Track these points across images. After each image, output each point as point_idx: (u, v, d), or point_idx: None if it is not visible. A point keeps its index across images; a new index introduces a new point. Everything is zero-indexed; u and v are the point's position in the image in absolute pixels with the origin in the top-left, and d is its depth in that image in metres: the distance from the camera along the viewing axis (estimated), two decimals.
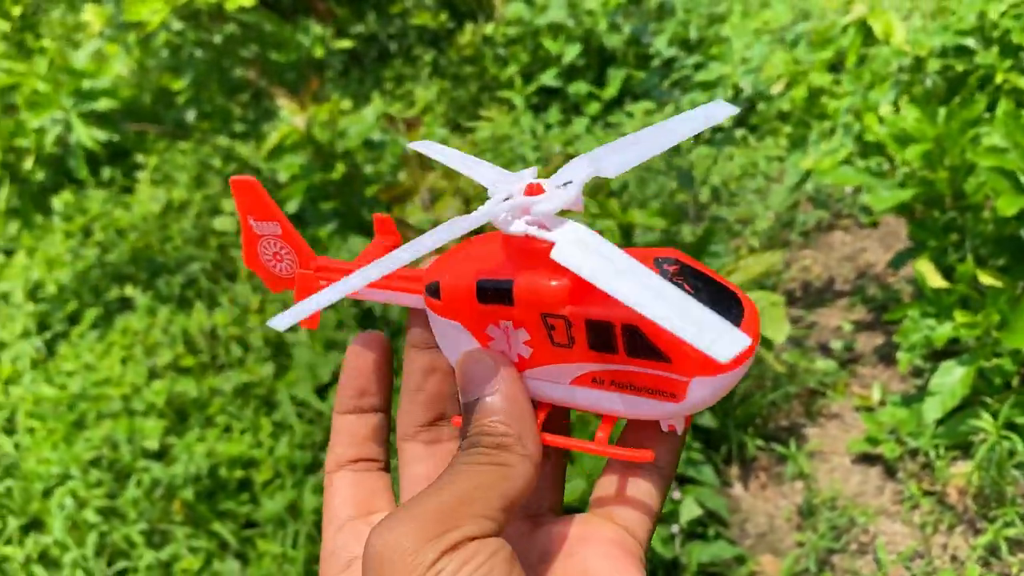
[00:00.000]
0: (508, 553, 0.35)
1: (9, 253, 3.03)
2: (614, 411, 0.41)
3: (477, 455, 0.38)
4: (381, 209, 2.17)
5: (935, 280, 1.80)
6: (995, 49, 2.31)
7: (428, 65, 3.86)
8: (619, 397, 0.40)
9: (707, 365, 0.37)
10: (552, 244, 0.38)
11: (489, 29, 3.61)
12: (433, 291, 0.43)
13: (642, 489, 0.43)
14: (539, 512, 0.45)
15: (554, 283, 0.39)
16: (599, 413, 0.42)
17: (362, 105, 3.38)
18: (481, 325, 0.42)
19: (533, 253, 0.39)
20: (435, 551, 0.33)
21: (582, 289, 0.39)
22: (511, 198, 0.39)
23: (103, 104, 1.98)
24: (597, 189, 2.14)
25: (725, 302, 0.39)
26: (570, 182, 0.39)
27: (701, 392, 0.38)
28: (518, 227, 0.39)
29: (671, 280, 0.38)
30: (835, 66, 3.02)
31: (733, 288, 0.40)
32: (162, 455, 1.99)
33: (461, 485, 0.36)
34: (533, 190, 0.39)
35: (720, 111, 0.42)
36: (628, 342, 0.38)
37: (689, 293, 0.37)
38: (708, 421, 1.75)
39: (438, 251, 0.42)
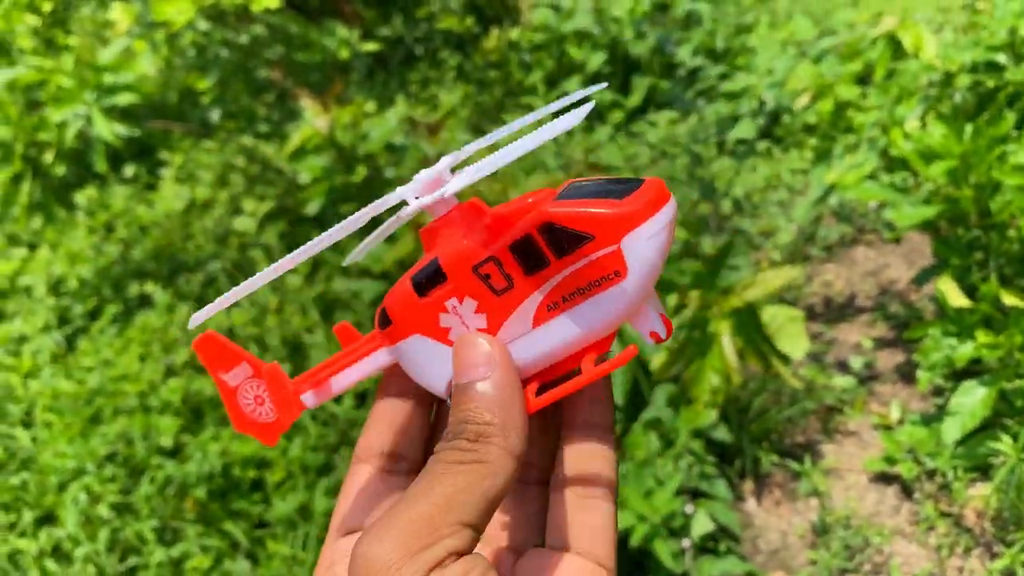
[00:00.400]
0: (486, 570, 0.35)
1: (32, 247, 3.06)
2: (586, 331, 0.41)
3: (456, 451, 0.37)
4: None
5: (957, 299, 1.77)
6: None
7: (453, 69, 3.87)
8: (579, 311, 0.40)
9: (627, 219, 0.38)
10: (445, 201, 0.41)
11: (515, 34, 3.62)
12: (384, 321, 0.44)
13: (600, 518, 0.42)
14: (524, 546, 0.45)
15: (465, 238, 0.41)
16: (577, 349, 0.42)
17: (386, 108, 3.39)
18: (433, 321, 0.43)
19: (442, 226, 0.42)
20: (420, 568, 0.33)
21: (494, 227, 0.41)
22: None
23: (124, 99, 2.00)
24: None
25: (623, 183, 0.40)
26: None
27: (638, 251, 0.38)
28: (425, 201, 0.41)
29: (572, 187, 0.41)
30: (863, 79, 2.99)
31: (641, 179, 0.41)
32: (176, 453, 2.00)
33: (441, 490, 0.36)
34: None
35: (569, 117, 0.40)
36: (551, 243, 0.39)
37: (585, 186, 0.41)
38: (723, 435, 1.73)
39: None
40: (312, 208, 2.23)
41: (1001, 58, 2.40)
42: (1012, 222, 1.86)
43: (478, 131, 3.44)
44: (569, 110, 0.38)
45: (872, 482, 1.82)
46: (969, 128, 1.83)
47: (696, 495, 1.68)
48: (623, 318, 0.40)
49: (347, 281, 2.13)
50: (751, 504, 1.80)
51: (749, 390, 1.90)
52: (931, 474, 1.76)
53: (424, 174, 0.42)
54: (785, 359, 1.69)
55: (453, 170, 0.43)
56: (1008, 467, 1.58)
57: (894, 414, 1.92)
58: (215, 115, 2.75)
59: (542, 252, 0.39)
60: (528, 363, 0.42)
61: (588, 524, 0.42)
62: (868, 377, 2.05)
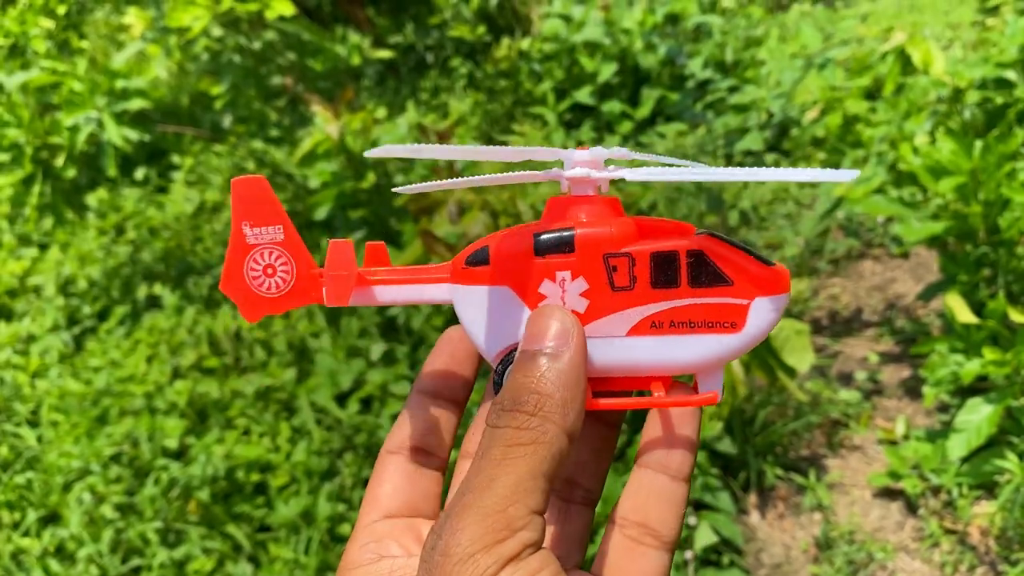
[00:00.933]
0: (557, 569, 0.35)
1: (43, 248, 3.07)
2: (671, 361, 0.41)
3: (514, 430, 0.37)
4: (409, 219, 2.18)
5: (964, 315, 1.77)
6: None
7: (464, 77, 3.88)
8: (678, 341, 0.41)
9: (767, 284, 0.40)
10: (614, 182, 0.42)
11: (525, 44, 3.63)
12: (478, 260, 0.43)
13: (652, 558, 0.42)
14: (567, 567, 0.45)
15: (613, 227, 0.41)
16: (651, 374, 0.42)
17: (397, 114, 3.40)
18: (534, 283, 0.42)
19: (586, 205, 0.42)
20: (499, 560, 0.34)
21: (639, 232, 0.41)
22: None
23: (135, 104, 2.01)
24: (626, 207, 2.14)
25: (759, 255, 0.41)
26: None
27: (760, 317, 0.40)
28: (580, 172, 0.42)
29: (712, 232, 0.41)
30: (872, 94, 2.99)
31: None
32: (181, 455, 2.01)
33: (506, 479, 0.36)
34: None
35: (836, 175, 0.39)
36: (692, 270, 0.40)
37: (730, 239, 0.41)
38: (727, 447, 1.73)
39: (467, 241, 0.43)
40: (321, 213, 2.24)
41: (1011, 75, 2.40)
42: (1021, 239, 1.86)
43: (487, 139, 3.45)
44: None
45: (876, 497, 1.81)
46: (979, 144, 1.83)
47: (699, 507, 1.68)
48: (710, 366, 0.41)
49: None
50: (755, 517, 1.80)
51: (754, 403, 1.89)
52: (936, 491, 1.75)
53: (594, 150, 0.42)
54: (790, 372, 1.69)
55: (606, 163, 0.43)
56: (1013, 485, 1.57)
57: (899, 429, 1.92)
58: (227, 120, 2.76)
59: (679, 273, 0.40)
60: (597, 364, 0.42)
61: (637, 570, 0.42)
62: (873, 392, 2.05)
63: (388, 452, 0.46)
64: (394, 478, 0.45)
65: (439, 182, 0.42)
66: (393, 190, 0.45)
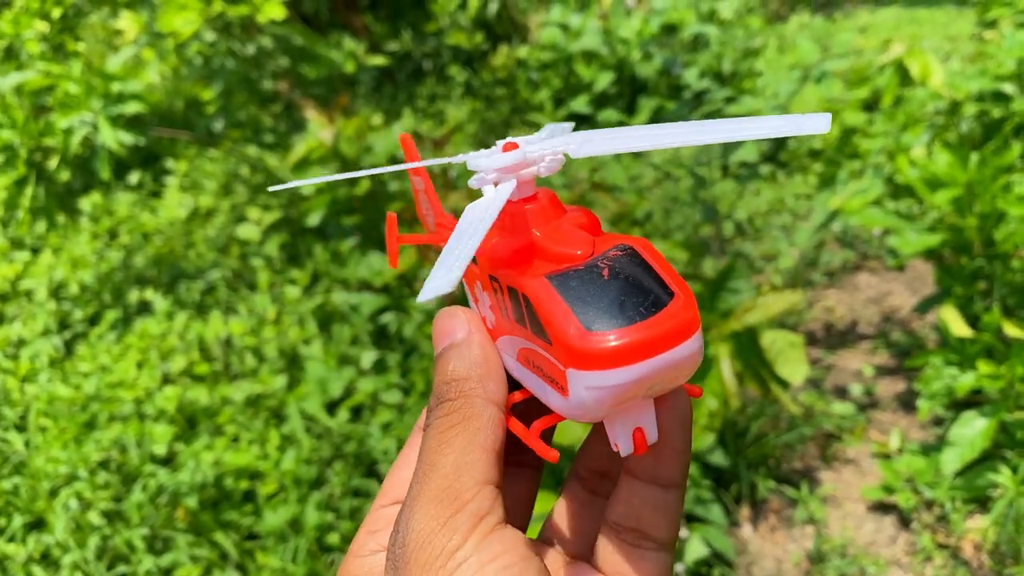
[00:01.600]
0: (540, 566, 0.35)
1: (35, 251, 3.06)
2: (546, 400, 0.37)
3: (445, 418, 0.37)
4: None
5: (959, 328, 1.76)
6: None
7: (461, 85, 3.88)
8: (540, 383, 0.37)
9: (575, 357, 0.33)
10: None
11: (523, 52, 3.63)
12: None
13: (652, 560, 0.41)
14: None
15: (491, 247, 0.38)
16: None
17: (393, 121, 3.39)
18: (471, 282, 0.43)
19: (506, 214, 0.39)
20: (456, 536, 0.34)
21: (525, 256, 0.37)
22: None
23: (131, 108, 2.00)
24: (620, 217, 2.13)
25: (641, 296, 0.34)
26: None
27: (576, 391, 0.33)
28: (475, 182, 0.39)
29: (599, 263, 0.35)
30: (870, 106, 2.99)
31: (676, 288, 0.35)
32: (169, 461, 1.99)
33: (444, 460, 0.36)
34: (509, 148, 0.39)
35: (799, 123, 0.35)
36: (529, 313, 0.35)
37: (601, 277, 0.34)
38: (720, 459, 1.72)
39: None
40: (313, 219, 2.22)
41: (1008, 88, 2.40)
42: (1016, 252, 1.85)
43: (484, 147, 3.44)
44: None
45: (869, 511, 1.80)
46: (975, 157, 1.83)
47: (691, 519, 1.66)
48: (565, 418, 0.37)
49: (346, 294, 2.12)
50: (747, 530, 1.78)
51: (747, 415, 1.88)
52: (929, 505, 1.74)
53: (511, 154, 0.38)
54: (784, 384, 1.68)
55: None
56: (1006, 500, 1.56)
57: (893, 443, 1.91)
58: (219, 125, 2.75)
59: (523, 314, 0.36)
60: (514, 376, 0.40)
61: (639, 571, 0.40)
62: (868, 404, 2.03)
63: (419, 429, 0.45)
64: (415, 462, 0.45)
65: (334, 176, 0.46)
66: (269, 189, 0.48)
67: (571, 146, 0.37)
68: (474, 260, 0.41)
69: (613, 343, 0.32)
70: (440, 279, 0.32)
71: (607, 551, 0.41)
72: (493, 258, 0.38)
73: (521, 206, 0.38)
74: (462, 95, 3.88)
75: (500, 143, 0.39)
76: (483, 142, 3.47)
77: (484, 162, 0.38)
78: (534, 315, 0.35)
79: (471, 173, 0.41)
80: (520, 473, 0.46)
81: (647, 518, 0.40)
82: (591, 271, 0.35)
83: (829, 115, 0.33)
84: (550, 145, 0.38)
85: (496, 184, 0.38)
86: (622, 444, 0.36)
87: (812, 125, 0.33)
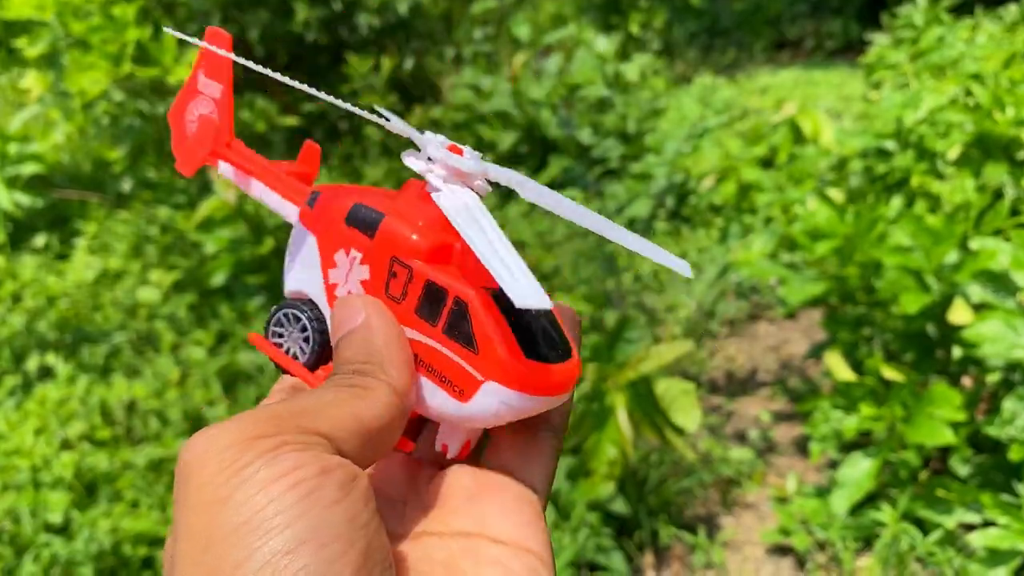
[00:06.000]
0: (346, 477, 0.30)
1: None
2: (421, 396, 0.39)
3: (332, 381, 0.36)
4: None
5: (844, 373, 1.84)
6: (911, 152, 2.42)
7: (377, 144, 3.92)
8: (425, 383, 0.39)
9: (506, 373, 0.36)
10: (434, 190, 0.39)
11: (437, 113, 3.70)
12: (312, 200, 0.43)
13: (542, 449, 0.41)
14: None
15: (417, 235, 0.39)
16: None
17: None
18: (333, 247, 0.41)
19: (422, 202, 0.40)
20: (253, 452, 0.29)
21: (442, 255, 0.39)
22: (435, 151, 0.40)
23: (28, 168, 1.98)
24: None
25: (558, 341, 0.39)
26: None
27: (485, 400, 0.37)
28: (420, 166, 0.40)
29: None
30: (768, 162, 3.12)
31: (572, 344, 0.40)
32: (65, 529, 1.93)
33: (305, 400, 0.33)
34: (453, 149, 0.40)
35: (673, 264, 0.39)
36: (451, 317, 0.37)
37: (529, 312, 0.38)
38: (620, 507, 1.74)
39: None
40: (218, 279, 2.21)
41: (889, 145, 2.54)
42: (894, 299, 1.95)
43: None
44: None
45: (768, 554, 1.84)
46: (852, 210, 1.93)
47: (593, 568, 1.68)
48: (442, 419, 0.39)
49: (252, 354, 2.11)
50: None
51: (649, 462, 1.92)
52: (822, 545, 1.79)
53: (463, 159, 0.39)
54: (679, 431, 1.73)
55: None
56: (888, 537, 1.62)
57: (790, 486, 1.96)
58: (127, 185, 2.73)
59: (440, 313, 0.38)
60: None
61: (543, 448, 0.41)
62: (766, 449, 2.10)
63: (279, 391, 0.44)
64: None
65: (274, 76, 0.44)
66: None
67: (504, 179, 0.39)
68: (365, 228, 0.40)
69: (539, 374, 0.37)
70: (529, 289, 0.32)
71: (503, 442, 0.41)
72: (418, 247, 0.39)
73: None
74: (378, 154, 3.93)
75: (441, 138, 0.40)
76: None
77: (439, 153, 0.39)
78: (463, 321, 0.37)
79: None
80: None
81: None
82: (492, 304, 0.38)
83: (687, 267, 0.38)
84: (486, 169, 0.40)
85: (442, 180, 0.39)
86: (452, 448, 0.40)
87: (678, 266, 0.37)
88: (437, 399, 0.38)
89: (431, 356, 0.38)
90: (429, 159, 0.40)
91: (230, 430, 0.30)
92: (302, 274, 0.43)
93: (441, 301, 0.38)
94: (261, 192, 0.47)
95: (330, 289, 0.42)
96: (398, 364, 0.37)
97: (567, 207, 0.39)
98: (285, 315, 0.43)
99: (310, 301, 0.43)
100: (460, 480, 0.39)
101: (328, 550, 0.28)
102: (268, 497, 0.28)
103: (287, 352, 0.43)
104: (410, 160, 0.41)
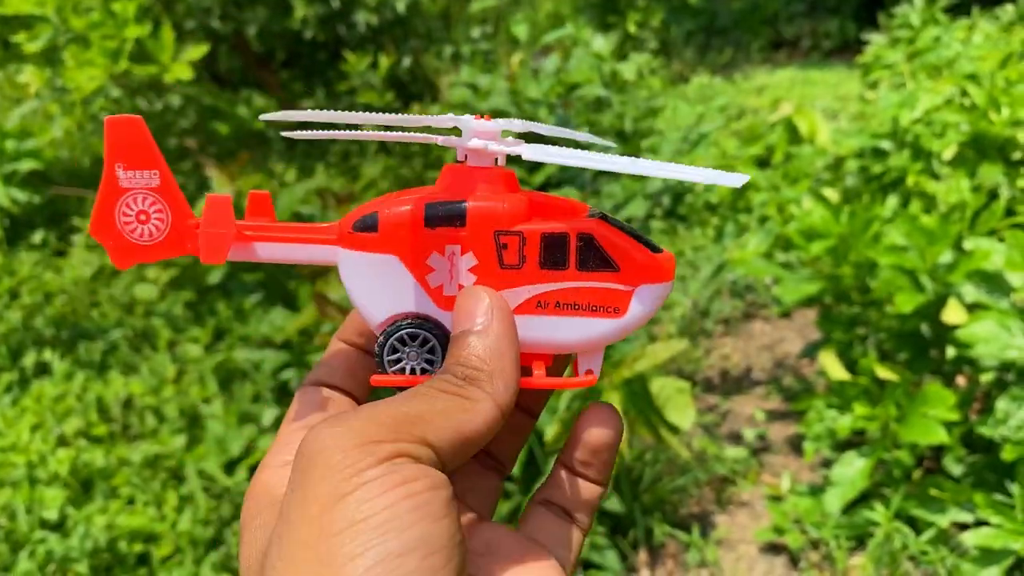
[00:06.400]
0: (449, 496, 0.34)
1: None
2: (554, 341, 0.42)
3: (442, 383, 0.38)
4: (305, 282, 2.17)
5: (838, 372, 1.85)
6: (907, 152, 2.42)
7: (373, 142, 3.92)
8: (562, 321, 0.41)
9: (650, 273, 0.41)
10: (511, 159, 0.42)
11: (435, 110, 3.70)
12: (366, 225, 0.42)
13: (574, 534, 0.45)
14: (480, 514, 0.46)
15: (506, 203, 0.41)
16: (534, 351, 0.42)
17: (306, 177, 3.41)
18: (423, 254, 0.42)
19: (473, 179, 0.42)
20: (370, 458, 0.32)
21: (532, 211, 0.41)
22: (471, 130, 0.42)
23: (25, 165, 1.98)
24: None
25: (647, 239, 0.42)
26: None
27: (641, 304, 0.41)
28: (478, 143, 0.41)
29: (602, 216, 0.42)
30: (764, 161, 3.13)
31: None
32: (61, 526, 1.93)
33: (416, 405, 0.36)
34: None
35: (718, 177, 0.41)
36: (581, 253, 0.40)
37: (619, 223, 0.42)
38: (615, 505, 1.75)
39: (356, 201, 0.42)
40: (214, 276, 2.22)
41: (885, 145, 2.54)
42: (889, 299, 1.96)
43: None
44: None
45: (762, 552, 1.85)
46: (847, 210, 1.94)
47: (587, 566, 1.69)
48: (591, 348, 0.42)
49: (248, 351, 2.12)
50: (645, 575, 1.81)
51: (643, 460, 1.93)
52: (815, 544, 1.80)
53: (496, 122, 0.42)
54: (674, 429, 1.73)
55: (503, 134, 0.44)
56: (879, 536, 1.63)
57: (785, 485, 1.97)
58: None
59: (567, 256, 0.41)
60: None
61: (571, 538, 0.44)
62: (761, 448, 2.10)
63: (304, 386, 0.46)
64: (312, 401, 0.45)
65: (320, 115, 0.41)
66: (260, 117, 0.43)
67: (525, 149, 0.41)
68: (451, 221, 0.41)
69: (664, 263, 0.42)
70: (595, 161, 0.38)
71: (540, 520, 0.45)
72: (515, 212, 0.41)
73: (509, 172, 0.43)
74: (376, 152, 3.93)
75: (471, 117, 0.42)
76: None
77: (475, 124, 0.42)
78: (593, 251, 0.41)
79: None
80: (486, 474, 0.48)
81: (576, 502, 0.45)
82: (607, 219, 0.42)
83: (747, 176, 0.40)
84: (510, 141, 0.42)
85: (472, 146, 0.42)
86: (596, 369, 0.43)
87: (730, 180, 0.39)
88: (594, 329, 0.42)
89: (574, 296, 0.41)
90: (475, 137, 0.42)
91: (354, 430, 0.33)
92: (393, 296, 0.43)
93: (564, 245, 0.41)
94: (279, 251, 0.44)
95: (435, 293, 0.42)
96: (507, 378, 0.39)
97: (595, 158, 0.41)
98: (399, 339, 0.43)
99: (415, 315, 0.43)
100: (502, 538, 0.43)
101: (431, 561, 0.31)
102: (386, 502, 0.31)
103: (414, 372, 0.43)
104: (453, 140, 0.42)
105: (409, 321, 0.43)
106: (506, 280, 0.41)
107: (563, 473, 0.45)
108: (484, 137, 0.42)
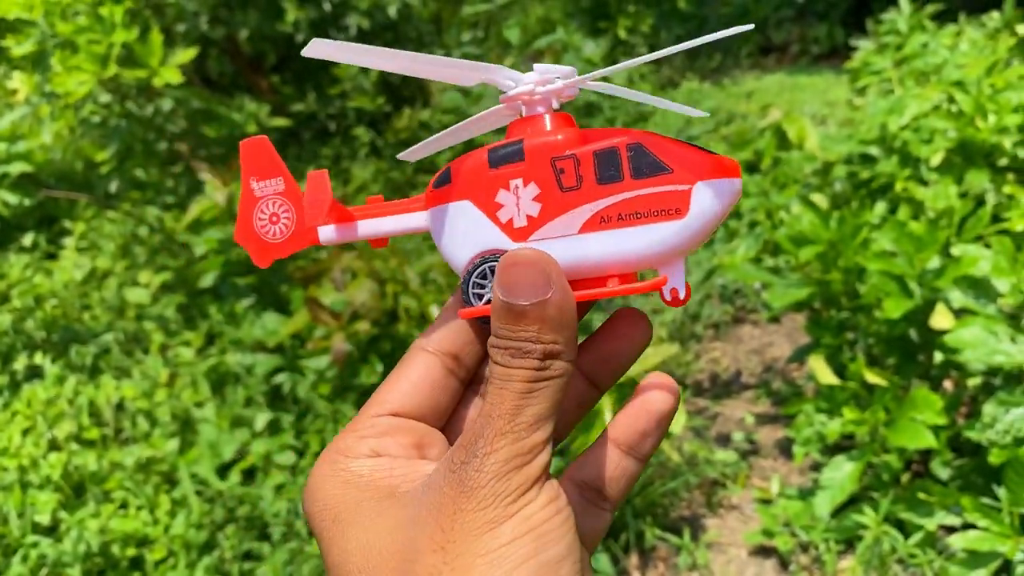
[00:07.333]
0: (572, 510, 0.39)
1: None
2: (624, 253, 0.43)
3: (530, 371, 0.39)
4: (298, 286, 2.18)
5: (827, 377, 1.87)
6: (895, 158, 2.44)
7: (365, 145, 3.93)
8: (627, 232, 0.42)
9: (704, 168, 0.41)
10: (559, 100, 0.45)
11: (426, 115, 3.71)
12: (442, 180, 0.46)
13: (600, 516, 0.46)
14: None
15: (559, 133, 0.44)
16: (610, 268, 0.44)
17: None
18: (491, 193, 0.45)
19: (529, 122, 0.45)
20: (526, 480, 0.38)
21: (584, 136, 0.44)
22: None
23: (16, 168, 1.98)
24: None
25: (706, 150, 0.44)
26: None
27: (702, 201, 0.41)
28: (525, 88, 0.44)
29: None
30: (753, 166, 3.15)
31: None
32: (54, 530, 1.93)
33: (532, 410, 0.39)
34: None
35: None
36: (632, 162, 0.42)
37: (668, 136, 0.44)
38: None
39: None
40: (207, 280, 2.22)
41: (873, 150, 2.56)
42: (878, 304, 1.98)
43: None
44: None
45: (752, 555, 1.87)
46: (836, 215, 1.96)
47: None
48: (661, 257, 0.43)
49: (241, 355, 2.12)
50: None
51: None
52: (805, 547, 1.82)
53: (542, 67, 0.44)
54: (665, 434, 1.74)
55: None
56: (868, 539, 1.65)
57: (774, 488, 1.99)
58: (114, 186, 2.73)
59: (620, 167, 0.42)
60: (559, 263, 0.44)
61: (588, 528, 0.45)
62: (750, 452, 2.12)
63: (422, 349, 0.46)
64: (418, 377, 0.46)
65: (438, 136, 0.48)
66: (398, 156, 0.49)
67: (584, 80, 0.44)
68: (511, 159, 0.44)
69: (723, 160, 0.42)
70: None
71: (571, 501, 0.45)
72: (568, 138, 0.43)
73: (566, 115, 0.46)
74: (367, 155, 3.94)
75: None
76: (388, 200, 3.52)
77: (527, 76, 0.45)
78: (644, 157, 0.42)
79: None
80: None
81: (615, 483, 0.45)
82: (656, 135, 0.43)
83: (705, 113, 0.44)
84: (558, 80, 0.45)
85: (519, 92, 0.45)
86: (680, 288, 0.44)
87: (693, 112, 0.43)
88: (660, 233, 0.42)
89: (636, 204, 0.42)
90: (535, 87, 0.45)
91: (507, 457, 0.38)
92: (472, 238, 0.46)
93: (615, 158, 0.42)
94: (376, 226, 0.49)
95: (507, 226, 0.45)
96: (575, 342, 0.41)
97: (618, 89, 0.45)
98: (481, 274, 0.46)
99: (493, 251, 0.46)
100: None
101: (578, 566, 0.38)
102: (545, 516, 0.38)
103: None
104: (513, 91, 0.45)
105: (486, 257, 0.46)
106: (569, 202, 0.43)
107: (609, 449, 0.45)
108: (533, 83, 0.44)
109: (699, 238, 0.42)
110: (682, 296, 0.44)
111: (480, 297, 0.46)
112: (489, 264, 0.45)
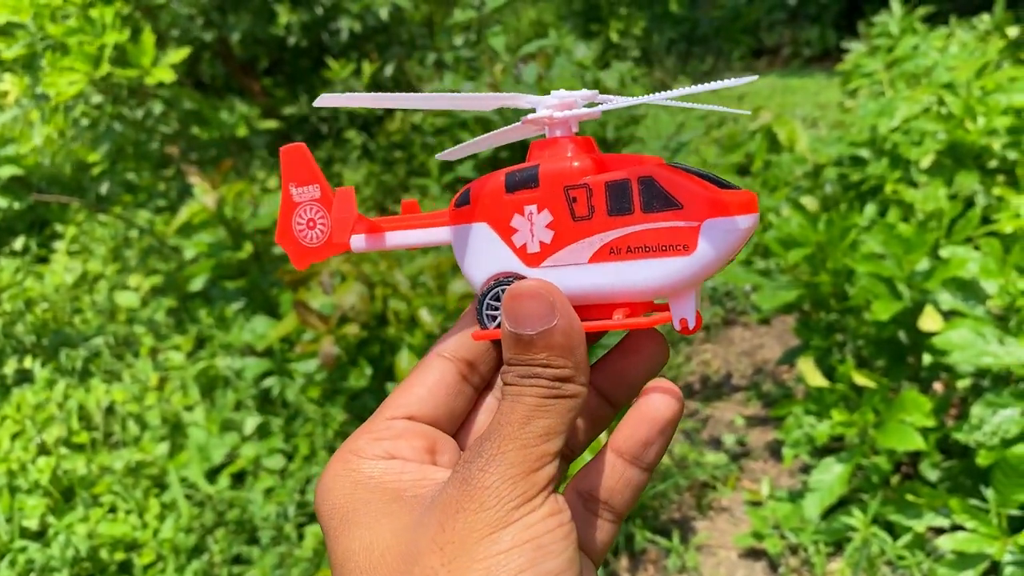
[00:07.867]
0: (574, 524, 0.39)
1: None
2: (631, 285, 0.43)
3: (542, 388, 0.40)
4: (287, 290, 2.18)
5: (816, 379, 1.87)
6: (885, 160, 2.45)
7: (357, 148, 3.93)
8: (635, 264, 0.43)
9: (714, 205, 0.41)
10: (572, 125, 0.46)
11: (418, 118, 3.70)
12: (463, 200, 0.47)
13: (608, 530, 0.46)
14: None
15: (575, 161, 0.44)
16: (617, 299, 0.44)
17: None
18: (506, 217, 0.45)
19: (547, 148, 0.45)
20: (532, 487, 0.38)
21: (599, 165, 0.44)
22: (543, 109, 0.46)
23: (7, 171, 1.97)
24: None
25: (721, 179, 0.43)
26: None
27: (710, 238, 0.41)
28: (543, 113, 0.45)
29: (671, 164, 0.44)
30: (744, 169, 3.15)
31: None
32: (42, 535, 1.93)
33: (541, 423, 0.39)
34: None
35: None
36: (643, 195, 0.42)
37: (687, 166, 0.43)
38: None
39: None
40: (197, 284, 2.22)
41: (864, 153, 2.57)
42: (867, 306, 1.98)
43: (382, 209, 3.48)
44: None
45: (741, 558, 1.87)
46: (824, 218, 1.96)
47: None
48: (669, 290, 0.43)
49: (231, 359, 2.12)
50: None
51: None
52: (794, 549, 1.82)
53: (561, 93, 0.45)
54: None
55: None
56: (856, 541, 1.65)
57: (764, 490, 1.99)
58: (104, 188, 2.72)
59: (631, 200, 0.42)
60: (567, 291, 0.44)
61: (594, 539, 0.45)
62: (740, 454, 2.12)
63: (438, 354, 0.47)
64: (433, 382, 0.46)
65: (476, 140, 0.50)
66: (437, 156, 0.52)
67: (603, 104, 0.45)
68: (526, 184, 0.45)
69: (736, 196, 0.41)
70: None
71: (575, 513, 0.44)
72: (583, 166, 0.44)
73: (587, 138, 0.47)
74: (359, 158, 3.93)
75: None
76: (380, 204, 3.52)
77: (547, 100, 0.46)
78: (655, 191, 0.42)
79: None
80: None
81: (619, 493, 0.45)
82: (678, 165, 0.43)
83: (755, 76, 0.42)
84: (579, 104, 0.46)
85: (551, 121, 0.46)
86: (690, 318, 0.44)
87: (739, 82, 0.42)
88: (667, 268, 0.42)
89: (644, 238, 0.43)
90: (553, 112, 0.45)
91: (514, 462, 0.38)
92: (487, 258, 0.47)
93: (626, 190, 0.43)
94: (403, 237, 0.50)
95: (521, 251, 0.46)
96: (586, 365, 0.41)
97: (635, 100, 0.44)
98: (494, 297, 0.46)
99: (507, 274, 0.47)
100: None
101: None
102: (547, 528, 0.37)
103: None
104: (532, 115, 0.46)
105: (500, 280, 0.46)
106: (580, 231, 0.44)
107: (610, 459, 0.45)
108: (552, 108, 0.45)
109: (707, 273, 0.42)
110: (691, 326, 0.44)
111: (493, 319, 0.46)
112: (502, 287, 0.46)
